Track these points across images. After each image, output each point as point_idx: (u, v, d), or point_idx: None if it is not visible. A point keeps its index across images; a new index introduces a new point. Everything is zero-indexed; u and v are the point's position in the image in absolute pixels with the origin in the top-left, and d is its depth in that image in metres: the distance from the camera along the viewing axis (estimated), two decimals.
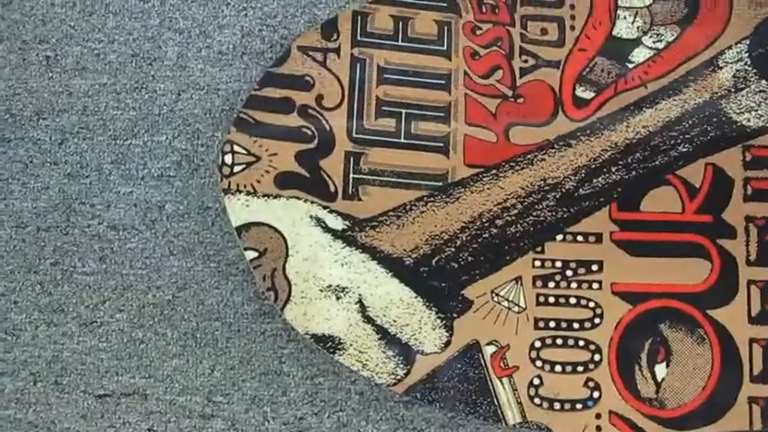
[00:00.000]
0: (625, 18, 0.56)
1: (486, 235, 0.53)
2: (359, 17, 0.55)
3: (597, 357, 0.52)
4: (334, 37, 0.55)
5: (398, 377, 0.52)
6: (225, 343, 0.55)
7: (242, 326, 0.55)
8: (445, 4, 0.55)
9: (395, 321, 0.52)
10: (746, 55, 0.55)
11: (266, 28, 0.58)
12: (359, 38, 0.55)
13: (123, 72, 0.57)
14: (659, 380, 0.52)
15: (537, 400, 0.52)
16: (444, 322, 0.52)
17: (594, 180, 0.54)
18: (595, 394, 0.52)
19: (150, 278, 0.55)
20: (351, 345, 0.52)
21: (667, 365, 0.52)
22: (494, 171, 0.54)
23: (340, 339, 0.52)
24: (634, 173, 0.54)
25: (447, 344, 0.52)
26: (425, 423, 0.54)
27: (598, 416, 0.52)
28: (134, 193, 0.56)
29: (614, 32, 0.56)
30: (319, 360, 0.54)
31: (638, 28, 0.56)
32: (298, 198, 0.53)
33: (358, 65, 0.54)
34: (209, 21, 0.58)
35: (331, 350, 0.51)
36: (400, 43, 0.55)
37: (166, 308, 0.55)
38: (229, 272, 0.55)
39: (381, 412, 0.54)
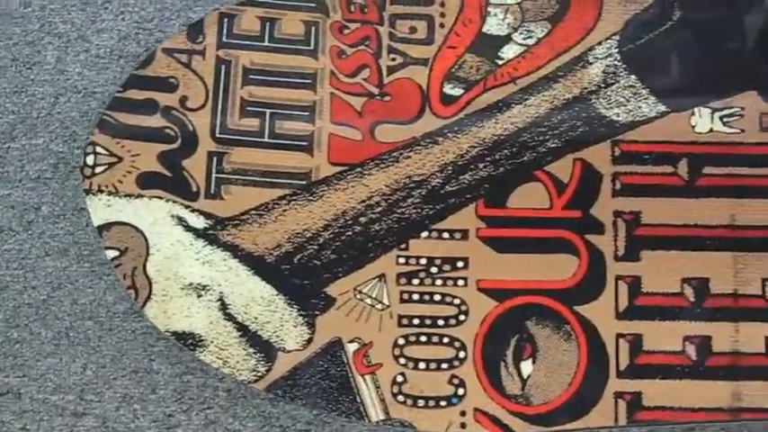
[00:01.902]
0: (496, 15, 0.56)
1: (350, 233, 0.53)
2: (225, 19, 0.55)
3: (462, 354, 0.52)
4: (200, 39, 0.55)
5: (259, 374, 0.52)
6: (97, 342, 0.55)
7: (114, 324, 0.55)
8: (313, 5, 0.56)
9: (256, 319, 0.52)
10: (616, 51, 0.55)
11: (142, 32, 0.58)
12: (225, 39, 0.55)
13: (3, 76, 0.58)
14: (525, 376, 0.52)
15: (400, 398, 0.52)
16: (306, 320, 0.52)
17: (461, 177, 0.54)
18: (460, 391, 0.52)
19: (26, 278, 0.56)
20: (212, 342, 0.52)
21: (533, 362, 0.52)
22: (358, 169, 0.54)
23: (201, 336, 0.52)
24: (502, 169, 0.54)
25: (309, 341, 0.52)
26: (291, 420, 0.54)
27: (463, 413, 0.52)
28: (12, 196, 0.57)
29: (484, 29, 0.56)
30: (188, 358, 0.55)
31: (508, 24, 0.56)
32: (159, 198, 0.53)
33: (223, 66, 0.55)
34: (87, 25, 0.58)
35: (192, 347, 0.52)
36: (267, 44, 0.55)
37: (41, 307, 0.56)
38: (102, 272, 0.56)
39: (248, 409, 0.54)
